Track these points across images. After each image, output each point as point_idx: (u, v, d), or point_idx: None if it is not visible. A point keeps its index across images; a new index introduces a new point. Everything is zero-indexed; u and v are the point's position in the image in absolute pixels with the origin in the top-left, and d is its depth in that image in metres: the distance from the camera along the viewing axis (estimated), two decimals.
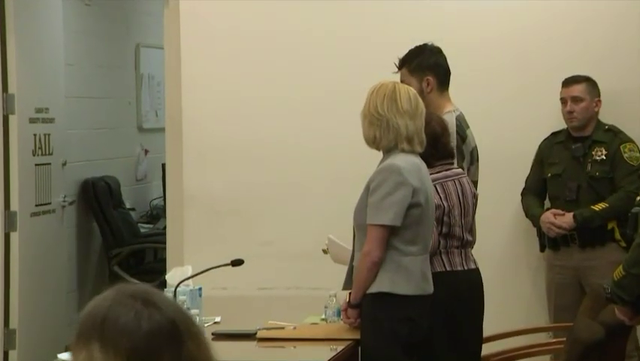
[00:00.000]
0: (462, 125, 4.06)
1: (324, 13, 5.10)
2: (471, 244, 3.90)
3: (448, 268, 3.77)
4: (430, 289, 3.50)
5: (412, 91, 3.56)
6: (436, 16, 5.00)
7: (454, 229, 3.79)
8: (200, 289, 3.82)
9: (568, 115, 4.69)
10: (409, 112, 3.46)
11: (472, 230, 3.91)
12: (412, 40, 4.27)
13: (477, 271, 3.89)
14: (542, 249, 4.80)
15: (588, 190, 4.64)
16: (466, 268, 3.82)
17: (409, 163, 3.43)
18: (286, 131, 5.12)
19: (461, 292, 3.79)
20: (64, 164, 6.20)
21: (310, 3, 5.11)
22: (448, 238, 3.78)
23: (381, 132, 3.45)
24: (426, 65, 4.14)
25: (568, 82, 4.71)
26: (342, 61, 5.06)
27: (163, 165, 6.65)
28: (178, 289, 3.65)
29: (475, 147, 4.15)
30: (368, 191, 3.45)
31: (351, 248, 3.66)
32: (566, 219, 4.61)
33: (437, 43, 4.25)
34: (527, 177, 4.83)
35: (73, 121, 6.56)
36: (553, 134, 4.80)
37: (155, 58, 7.19)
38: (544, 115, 4.91)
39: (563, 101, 4.71)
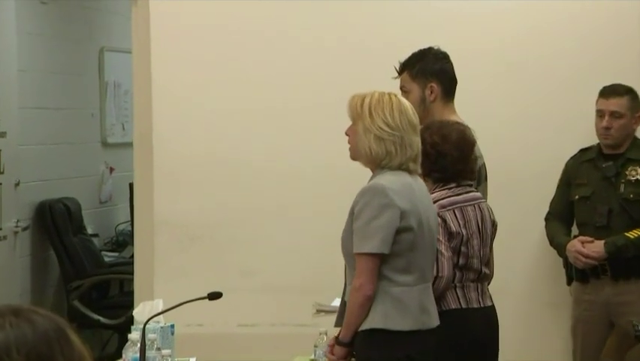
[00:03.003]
0: None
1: (314, 15, 5.12)
2: (488, 278, 3.92)
3: (463, 305, 3.78)
4: (431, 322, 3.51)
5: (410, 104, 3.59)
6: (441, 17, 5.03)
7: (472, 260, 3.81)
8: (172, 326, 3.83)
9: (603, 131, 4.64)
10: (416, 128, 3.51)
11: (489, 263, 3.93)
12: (414, 46, 4.30)
13: (493, 308, 3.91)
14: (569, 282, 4.76)
15: (621, 215, 4.60)
16: (482, 305, 3.84)
17: (398, 183, 3.45)
18: (270, 147, 5.13)
19: (476, 332, 3.80)
20: (17, 184, 6.21)
21: (298, 3, 5.14)
22: (464, 270, 3.79)
23: (396, 148, 3.47)
24: (430, 70, 4.18)
25: (607, 93, 4.66)
26: (334, 69, 5.08)
27: (130, 185, 6.66)
28: (147, 326, 3.65)
29: (483, 164, 4.18)
30: (353, 216, 3.48)
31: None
32: (596, 247, 4.57)
33: (445, 48, 4.28)
34: (552, 200, 4.81)
35: (27, 135, 6.57)
36: (582, 151, 4.76)
37: (122, 63, 7.21)
38: (571, 129, 4.92)
39: (600, 113, 4.66)
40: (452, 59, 4.27)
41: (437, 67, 4.19)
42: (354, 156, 3.57)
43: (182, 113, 5.18)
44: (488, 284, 3.94)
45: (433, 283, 3.63)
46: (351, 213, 3.48)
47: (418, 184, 3.54)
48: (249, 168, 5.13)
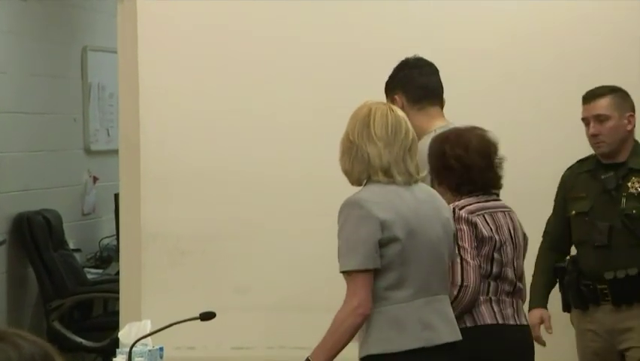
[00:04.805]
0: None
1: (310, 15, 5.13)
2: (522, 295, 3.91)
3: (499, 321, 3.76)
4: (437, 338, 3.45)
5: (395, 115, 3.56)
6: (441, 17, 5.05)
7: (506, 270, 3.80)
8: (161, 349, 3.81)
9: (593, 139, 4.47)
10: (383, 139, 3.51)
11: (522, 278, 3.91)
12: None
13: (529, 328, 3.89)
14: (566, 308, 4.60)
15: (623, 232, 4.41)
16: (518, 322, 3.82)
17: (380, 193, 3.47)
18: (266, 155, 5.12)
19: (512, 352, 3.78)
20: None
21: (294, 3, 5.14)
22: (499, 280, 3.79)
23: (351, 162, 3.54)
24: (393, 83, 4.29)
25: (588, 97, 4.50)
26: (333, 70, 5.08)
27: (116, 196, 6.65)
28: (134, 349, 3.64)
29: None
30: None
31: None
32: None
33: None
34: (549, 219, 4.68)
35: (4, 142, 6.56)
36: (580, 161, 4.62)
37: (107, 64, 7.20)
38: (568, 137, 4.90)
39: (585, 122, 4.50)
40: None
41: (400, 76, 4.30)
42: None
43: (172, 118, 5.18)
44: (523, 303, 3.92)
45: (458, 293, 3.63)
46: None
47: (413, 194, 3.52)
48: (244, 177, 5.12)
